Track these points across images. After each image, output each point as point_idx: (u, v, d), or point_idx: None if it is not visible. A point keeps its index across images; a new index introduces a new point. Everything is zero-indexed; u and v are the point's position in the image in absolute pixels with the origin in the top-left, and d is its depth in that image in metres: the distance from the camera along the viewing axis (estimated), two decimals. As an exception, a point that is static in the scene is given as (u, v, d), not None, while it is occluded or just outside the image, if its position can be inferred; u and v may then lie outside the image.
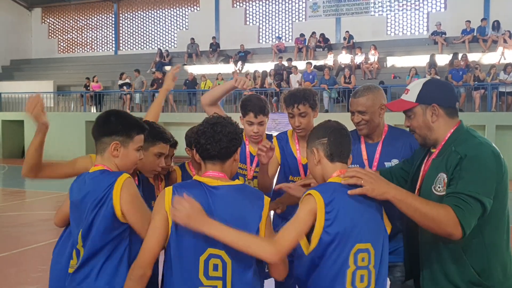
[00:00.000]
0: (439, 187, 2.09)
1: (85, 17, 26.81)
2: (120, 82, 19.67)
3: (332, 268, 1.92)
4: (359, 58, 18.23)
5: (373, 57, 18.11)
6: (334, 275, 1.92)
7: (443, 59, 17.33)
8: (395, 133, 2.91)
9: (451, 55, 16.86)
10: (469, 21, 18.02)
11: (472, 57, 17.06)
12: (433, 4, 20.30)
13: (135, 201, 2.10)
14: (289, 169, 3.13)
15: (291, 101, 2.98)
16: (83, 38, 26.77)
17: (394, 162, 2.77)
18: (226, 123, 2.08)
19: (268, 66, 19.20)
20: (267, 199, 2.07)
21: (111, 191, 2.06)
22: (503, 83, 14.76)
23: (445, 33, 18.51)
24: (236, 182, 2.12)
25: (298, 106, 2.95)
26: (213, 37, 22.25)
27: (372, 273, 1.97)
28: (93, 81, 20.23)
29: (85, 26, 26.75)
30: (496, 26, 17.59)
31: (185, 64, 21.83)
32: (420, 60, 17.68)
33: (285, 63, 18.79)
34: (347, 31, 19.73)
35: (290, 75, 17.55)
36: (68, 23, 27.10)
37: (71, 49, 27.00)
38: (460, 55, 16.38)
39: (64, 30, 27.16)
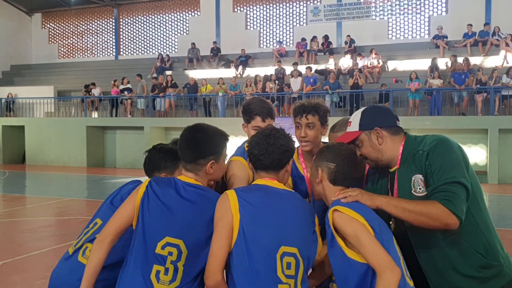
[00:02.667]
0: (420, 189, 2.16)
1: (85, 22, 26.81)
2: (122, 86, 19.63)
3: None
4: (362, 62, 18.20)
5: (375, 60, 18.08)
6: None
7: (444, 63, 17.31)
8: None
9: (451, 58, 16.85)
10: (471, 25, 18.04)
11: (474, 60, 17.05)
12: (435, 8, 20.32)
13: None
14: (299, 192, 2.63)
15: (300, 110, 2.74)
16: (83, 43, 26.76)
17: None
18: (280, 135, 2.16)
19: (269, 70, 19.18)
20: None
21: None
22: (506, 86, 14.73)
23: (446, 37, 18.51)
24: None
25: (307, 116, 2.70)
26: (214, 42, 22.24)
27: None
28: (114, 85, 20.07)
29: (85, 31, 26.75)
30: (498, 30, 17.60)
31: (185, 69, 21.82)
32: (421, 64, 17.67)
33: (285, 67, 18.77)
34: (348, 35, 19.72)
35: (291, 79, 17.51)
36: (68, 28, 27.10)
37: (71, 54, 26.98)
38: (461, 59, 16.38)
39: (64, 35, 27.15)
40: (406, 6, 20.37)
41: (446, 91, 15.92)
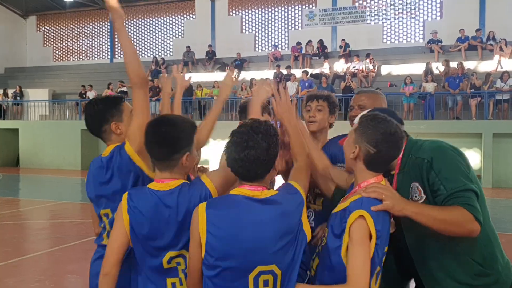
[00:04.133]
0: (416, 196, 2.14)
1: (80, 25, 26.77)
2: (119, 89, 19.62)
3: None
4: (358, 65, 18.26)
5: (370, 65, 18.15)
6: None
7: (439, 67, 17.39)
8: None
9: (443, 63, 16.95)
10: (463, 29, 18.14)
11: (469, 65, 17.15)
12: (429, 13, 20.44)
13: None
14: None
15: (312, 96, 3.04)
16: (78, 46, 26.71)
17: None
18: (258, 140, 1.92)
19: (264, 74, 19.20)
20: None
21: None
22: (500, 91, 14.82)
23: (441, 41, 18.61)
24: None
25: (318, 100, 3.00)
26: (209, 45, 22.26)
27: None
28: (109, 88, 20.14)
29: (80, 34, 26.70)
30: (492, 36, 17.72)
31: (181, 72, 21.76)
32: (416, 68, 17.75)
33: (283, 71, 18.82)
34: (343, 39, 19.79)
35: (287, 83, 17.55)
36: (63, 31, 27.04)
37: (66, 57, 26.92)
38: (455, 63, 16.47)
39: (59, 38, 27.09)
40: (400, 10, 20.48)
41: (441, 95, 16.00)
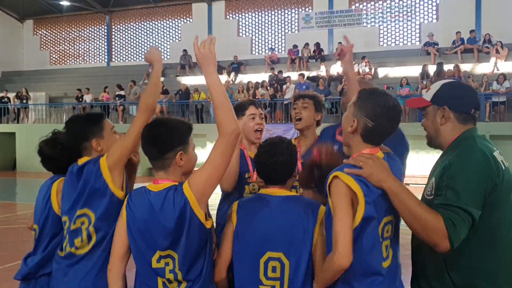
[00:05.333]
0: (428, 191, 2.07)
1: (77, 28, 26.76)
2: (117, 93, 19.63)
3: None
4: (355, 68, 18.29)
5: (367, 68, 18.19)
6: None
7: (433, 70, 17.42)
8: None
9: (439, 66, 16.99)
10: (460, 32, 18.21)
11: (465, 67, 17.21)
12: (425, 15, 20.50)
13: None
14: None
15: (298, 96, 3.30)
16: (75, 49, 26.69)
17: None
18: (282, 150, 2.26)
19: (261, 77, 19.23)
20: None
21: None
22: (496, 93, 14.87)
23: (437, 44, 18.67)
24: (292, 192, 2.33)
25: (303, 98, 3.23)
26: (206, 49, 22.22)
27: None
28: (105, 91, 20.17)
29: (77, 38, 26.69)
30: (488, 39, 17.79)
31: (178, 75, 21.82)
32: (412, 71, 17.79)
33: (279, 74, 18.85)
34: (339, 42, 19.82)
35: (284, 86, 17.58)
36: (60, 34, 27.03)
37: (63, 61, 26.90)
38: (452, 66, 16.52)
39: (56, 41, 27.07)
40: (397, 13, 20.54)
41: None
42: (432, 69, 17.37)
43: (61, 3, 24.71)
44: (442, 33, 18.86)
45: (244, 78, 20.17)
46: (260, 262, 2.11)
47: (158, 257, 2.09)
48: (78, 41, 26.70)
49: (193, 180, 2.09)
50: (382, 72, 19.00)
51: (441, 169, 2.02)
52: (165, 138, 2.13)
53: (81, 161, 2.40)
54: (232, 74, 20.42)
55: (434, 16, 20.31)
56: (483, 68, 17.21)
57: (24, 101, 21.54)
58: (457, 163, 1.96)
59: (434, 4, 20.27)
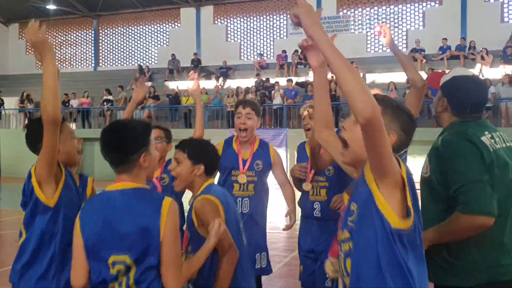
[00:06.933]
0: (423, 170, 2.28)
1: (64, 33, 26.58)
2: (105, 97, 19.53)
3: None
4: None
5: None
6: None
7: (422, 76, 17.58)
8: None
9: (428, 71, 17.15)
10: (446, 39, 18.41)
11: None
12: (412, 22, 20.70)
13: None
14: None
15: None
16: (61, 54, 26.49)
17: None
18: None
19: (250, 82, 19.25)
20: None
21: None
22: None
23: (424, 50, 18.85)
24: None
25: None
26: (195, 53, 22.24)
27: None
28: (83, 96, 20.06)
29: (64, 42, 26.50)
30: (473, 45, 18.02)
31: (166, 80, 21.76)
32: (399, 77, 17.91)
33: (266, 82, 18.88)
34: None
35: (273, 91, 17.60)
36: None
37: (49, 65, 26.65)
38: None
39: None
40: (384, 20, 20.71)
41: (424, 103, 16.16)
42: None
43: (47, 7, 24.49)
44: (428, 39, 19.05)
45: (232, 83, 20.16)
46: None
47: (112, 262, 1.98)
48: (64, 45, 26.51)
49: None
50: (370, 78, 19.12)
51: (431, 150, 2.26)
52: (128, 142, 2.05)
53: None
54: (221, 79, 20.41)
55: (421, 23, 20.52)
56: (469, 74, 17.40)
57: (29, 104, 21.14)
58: (443, 148, 2.17)
59: (420, 11, 20.49)
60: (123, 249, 1.95)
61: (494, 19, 18.99)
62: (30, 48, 26.74)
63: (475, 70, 17.20)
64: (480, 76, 16.73)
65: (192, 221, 2.43)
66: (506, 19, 19.35)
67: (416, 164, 13.67)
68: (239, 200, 3.44)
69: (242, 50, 23.21)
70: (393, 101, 1.86)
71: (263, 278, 3.84)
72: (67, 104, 20.15)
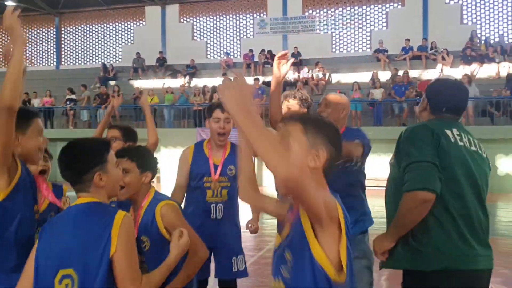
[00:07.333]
0: (391, 159, 2.48)
1: (25, 30, 25.83)
2: (68, 97, 19.12)
3: None
4: (306, 74, 18.58)
5: (320, 73, 18.50)
6: None
7: (385, 75, 17.95)
8: (349, 133, 3.15)
9: (393, 71, 17.52)
10: (408, 40, 18.82)
11: (413, 73, 17.79)
12: (376, 23, 21.06)
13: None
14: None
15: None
16: (22, 52, 25.75)
17: None
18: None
19: (217, 81, 19.18)
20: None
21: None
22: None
23: (387, 51, 19.21)
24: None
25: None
26: (160, 52, 22.02)
27: None
28: (45, 95, 19.57)
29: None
30: (434, 46, 18.48)
31: (130, 79, 21.47)
32: (363, 76, 18.23)
33: (233, 79, 18.84)
34: (295, 47, 20.09)
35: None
36: (6, 36, 26.01)
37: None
38: (401, 72, 17.05)
39: (1, 43, 26.05)
40: (348, 21, 21.00)
41: (388, 102, 16.49)
42: (382, 74, 17.87)
43: (6, 3, 23.77)
44: (391, 40, 19.43)
45: (199, 82, 20.06)
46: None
47: (60, 277, 1.92)
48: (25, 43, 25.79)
49: None
50: (335, 77, 19.36)
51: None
52: (79, 160, 2.02)
53: None
54: (187, 77, 20.28)
55: (384, 24, 20.90)
56: (430, 74, 17.83)
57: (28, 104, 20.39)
58: (404, 137, 2.33)
59: (384, 12, 20.87)
60: (71, 264, 1.88)
61: (454, 20, 19.53)
62: (-12, 45, 25.96)
63: (436, 70, 17.66)
64: (441, 76, 17.20)
65: (157, 226, 2.42)
66: (465, 21, 19.93)
67: (380, 162, 13.91)
68: (212, 206, 3.40)
69: (208, 49, 23.11)
70: (312, 116, 1.81)
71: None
72: (27, 103, 19.60)
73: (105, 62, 23.08)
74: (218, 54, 22.89)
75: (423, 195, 2.10)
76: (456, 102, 2.44)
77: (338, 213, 1.58)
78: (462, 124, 2.45)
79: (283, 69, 3.15)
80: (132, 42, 24.07)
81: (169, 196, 3.03)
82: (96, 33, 24.85)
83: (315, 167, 1.63)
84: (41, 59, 25.71)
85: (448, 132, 2.29)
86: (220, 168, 3.42)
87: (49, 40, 25.51)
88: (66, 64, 25.15)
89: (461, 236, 2.22)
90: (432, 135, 2.24)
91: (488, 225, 2.35)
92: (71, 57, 25.29)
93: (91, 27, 24.95)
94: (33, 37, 25.74)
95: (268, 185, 12.53)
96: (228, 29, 22.95)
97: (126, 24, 24.41)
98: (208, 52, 23.06)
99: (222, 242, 3.44)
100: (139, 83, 20.49)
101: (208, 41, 23.16)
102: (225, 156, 3.48)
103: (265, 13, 21.98)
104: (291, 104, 3.50)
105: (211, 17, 23.14)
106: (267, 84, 18.28)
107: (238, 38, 22.78)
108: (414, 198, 2.13)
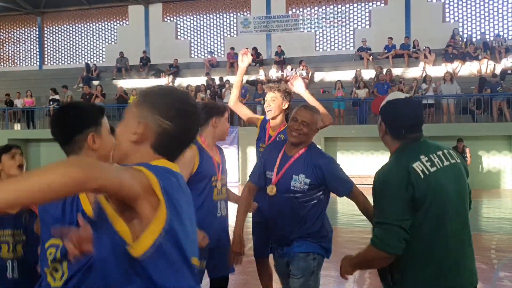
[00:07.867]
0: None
1: (6, 30, 25.56)
2: (51, 97, 18.93)
3: None
4: (290, 73, 18.64)
5: (304, 72, 18.58)
6: None
7: (368, 74, 18.10)
8: (314, 153, 3.15)
9: (377, 69, 17.67)
10: (391, 38, 19.00)
11: (396, 72, 17.98)
12: (359, 21, 21.22)
13: None
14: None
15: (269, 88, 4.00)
16: (4, 52, 25.46)
17: (301, 176, 3.06)
18: None
19: (201, 80, 19.19)
20: None
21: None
22: (426, 96, 15.62)
23: (370, 49, 19.37)
24: None
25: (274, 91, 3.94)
26: (144, 51, 21.93)
27: None
28: (26, 96, 19.34)
29: (7, 40, 25.48)
30: (416, 44, 18.69)
31: (114, 79, 21.34)
32: (347, 75, 18.37)
33: (216, 78, 18.87)
34: (279, 46, 20.14)
35: (223, 90, 17.61)
36: (3, 36, 25.70)
37: (-10, 64, 25.58)
38: (384, 70, 17.21)
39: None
40: (332, 19, 21.13)
41: (371, 101, 16.63)
42: (365, 73, 18.02)
43: (-13, 3, 23.48)
44: (374, 38, 19.60)
45: (183, 81, 20.03)
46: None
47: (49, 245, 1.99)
48: (7, 43, 25.48)
49: None
50: (318, 76, 19.47)
51: None
52: (73, 120, 2.00)
53: None
54: (171, 77, 20.22)
55: (367, 23, 21.07)
56: (413, 72, 18.05)
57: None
58: (376, 183, 2.26)
59: (367, 11, 21.03)
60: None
61: (437, 19, 19.78)
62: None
63: (418, 69, 17.87)
64: (424, 74, 17.41)
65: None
66: (447, 19, 20.18)
67: (364, 160, 14.08)
68: (218, 204, 3.43)
69: (192, 48, 23.07)
70: (156, 89, 1.57)
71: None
72: (10, 104, 19.39)
73: (89, 62, 22.91)
74: (202, 53, 22.86)
75: (382, 254, 2.18)
76: (412, 121, 2.33)
77: (151, 185, 1.35)
78: (427, 141, 2.36)
79: (245, 60, 3.99)
80: (115, 41, 23.92)
81: None
82: (79, 33, 24.64)
83: (135, 140, 1.48)
84: (23, 59, 25.41)
85: (417, 165, 2.20)
86: (221, 166, 3.49)
87: (31, 40, 25.24)
88: (49, 64, 24.90)
89: (440, 268, 2.21)
90: (405, 181, 2.16)
91: (474, 264, 2.35)
92: (54, 57, 25.04)
93: (74, 26, 24.73)
94: (15, 37, 25.43)
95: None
96: (211, 28, 22.93)
97: (109, 24, 24.25)
98: (192, 51, 23.02)
99: (224, 240, 3.50)
100: (123, 83, 20.38)
101: (192, 40, 23.12)
102: (219, 154, 3.54)
103: (248, 12, 22.01)
104: (275, 96, 3.78)
105: (195, 16, 23.10)
106: (251, 83, 18.33)
107: (221, 37, 22.77)
108: (375, 253, 2.21)
